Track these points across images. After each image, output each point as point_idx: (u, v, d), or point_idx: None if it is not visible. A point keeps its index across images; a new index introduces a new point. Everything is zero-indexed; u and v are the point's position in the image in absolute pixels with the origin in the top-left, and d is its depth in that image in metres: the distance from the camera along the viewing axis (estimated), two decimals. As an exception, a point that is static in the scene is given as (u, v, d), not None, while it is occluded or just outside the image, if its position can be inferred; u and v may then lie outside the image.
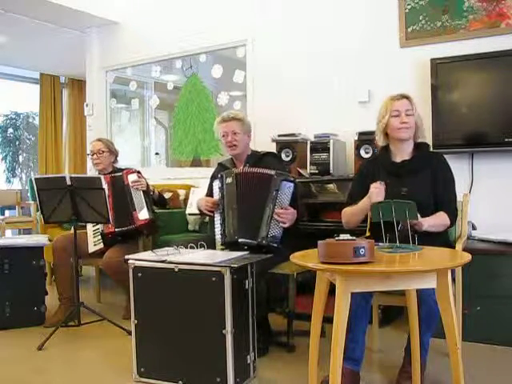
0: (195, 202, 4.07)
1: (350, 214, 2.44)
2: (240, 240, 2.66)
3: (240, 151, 2.93)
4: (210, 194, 2.96)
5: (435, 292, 1.82)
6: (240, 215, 2.69)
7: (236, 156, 2.98)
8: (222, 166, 3.03)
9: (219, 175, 2.84)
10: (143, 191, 3.36)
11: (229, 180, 2.75)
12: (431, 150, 2.56)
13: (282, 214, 2.65)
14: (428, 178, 2.37)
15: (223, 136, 2.94)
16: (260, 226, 2.65)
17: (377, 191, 2.25)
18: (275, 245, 2.63)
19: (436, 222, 2.26)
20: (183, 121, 4.93)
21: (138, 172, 3.45)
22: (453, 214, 2.35)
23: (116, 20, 5.24)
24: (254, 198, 2.70)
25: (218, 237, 2.77)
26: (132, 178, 3.36)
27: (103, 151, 3.58)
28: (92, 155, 3.61)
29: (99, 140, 3.68)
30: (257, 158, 2.94)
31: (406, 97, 2.41)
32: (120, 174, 3.42)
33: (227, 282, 2.13)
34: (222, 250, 2.73)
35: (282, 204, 2.67)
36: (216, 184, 2.84)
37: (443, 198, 2.35)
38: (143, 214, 3.32)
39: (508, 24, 3.27)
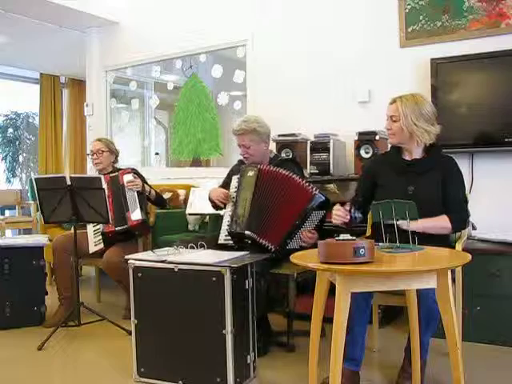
0: (195, 202, 4.10)
1: None
2: (247, 233, 2.61)
3: (256, 160, 2.86)
4: (223, 186, 2.93)
5: (435, 292, 1.82)
6: (253, 209, 2.64)
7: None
8: (241, 163, 2.98)
9: (242, 167, 2.79)
10: (138, 192, 3.35)
11: (250, 173, 2.70)
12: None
13: (309, 237, 2.62)
14: (437, 179, 2.33)
15: (238, 146, 2.90)
16: (282, 234, 2.61)
17: (334, 216, 2.23)
18: (283, 255, 2.60)
19: (431, 224, 2.21)
20: (183, 121, 4.93)
21: (134, 172, 3.44)
22: (459, 219, 2.30)
23: (116, 20, 5.24)
24: (276, 200, 2.65)
25: (225, 227, 2.72)
26: (127, 178, 3.35)
27: (103, 151, 3.58)
28: (92, 155, 3.61)
29: (99, 140, 3.67)
30: (278, 163, 2.87)
31: (395, 100, 2.36)
32: (116, 173, 3.41)
33: (227, 282, 2.13)
34: (226, 240, 2.71)
35: (312, 223, 2.63)
36: (235, 177, 2.79)
37: (451, 202, 2.31)
38: (136, 215, 3.30)
39: (508, 24, 3.27)
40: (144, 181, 3.47)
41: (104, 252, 3.32)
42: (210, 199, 2.91)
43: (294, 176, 2.67)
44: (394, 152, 2.48)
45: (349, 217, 2.17)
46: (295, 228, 2.62)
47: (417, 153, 2.41)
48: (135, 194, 3.34)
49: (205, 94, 4.82)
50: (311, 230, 2.64)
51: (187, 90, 4.91)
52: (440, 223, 2.26)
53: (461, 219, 2.32)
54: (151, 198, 3.52)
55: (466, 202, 2.37)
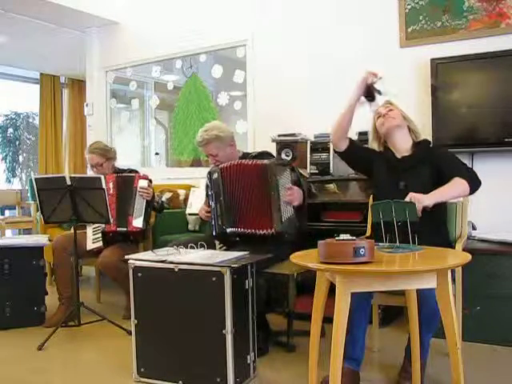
0: (195, 202, 4.10)
1: (337, 118, 2.52)
2: (228, 230, 2.67)
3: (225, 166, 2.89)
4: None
5: (435, 292, 1.82)
6: (229, 207, 2.69)
7: None
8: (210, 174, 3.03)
9: (207, 174, 2.84)
10: (146, 200, 3.35)
11: (215, 175, 2.75)
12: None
13: (289, 195, 2.63)
14: (427, 172, 2.36)
15: (206, 156, 2.98)
16: (271, 214, 2.60)
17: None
18: (291, 231, 2.60)
19: (449, 190, 2.20)
20: (183, 121, 4.93)
21: (150, 181, 3.43)
22: (471, 178, 2.27)
23: (116, 20, 5.24)
24: (244, 189, 2.67)
25: (213, 233, 2.77)
26: (142, 183, 3.33)
27: (102, 163, 3.50)
28: (92, 168, 3.57)
29: (92, 152, 3.49)
30: (250, 158, 2.89)
31: (390, 102, 2.50)
32: (132, 175, 3.40)
33: (227, 282, 2.13)
34: (220, 248, 2.74)
35: (284, 186, 2.64)
36: (206, 184, 2.86)
37: (452, 169, 2.30)
38: (137, 222, 3.31)
39: (508, 24, 3.27)
40: (153, 193, 3.45)
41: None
42: (201, 219, 2.96)
43: (245, 161, 2.70)
44: (387, 151, 2.53)
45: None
46: (277, 200, 2.61)
47: (406, 149, 2.47)
48: (144, 201, 3.33)
49: (205, 94, 4.82)
50: (287, 187, 2.65)
51: (187, 90, 4.91)
52: (457, 187, 2.23)
53: (474, 176, 2.32)
54: (156, 208, 3.52)
55: (466, 165, 2.40)
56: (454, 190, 2.23)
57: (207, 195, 2.93)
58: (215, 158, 2.89)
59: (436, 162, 2.38)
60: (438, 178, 2.33)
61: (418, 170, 2.38)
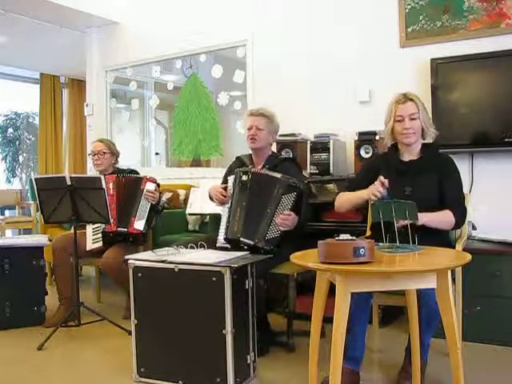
0: (195, 202, 4.10)
1: (345, 198, 2.46)
2: (241, 239, 2.65)
3: (259, 146, 2.91)
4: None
5: (435, 292, 1.82)
6: (247, 214, 2.68)
7: (255, 152, 2.96)
8: (239, 160, 3.04)
9: (236, 170, 2.82)
10: (151, 204, 3.35)
11: (244, 178, 2.74)
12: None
13: (283, 219, 2.63)
14: (434, 179, 2.35)
15: (248, 129, 2.93)
16: (259, 227, 2.64)
17: (376, 187, 2.19)
18: (270, 248, 2.61)
19: (438, 217, 2.24)
20: (183, 121, 4.92)
21: (158, 185, 3.43)
22: (460, 214, 2.32)
23: (116, 20, 5.24)
24: (261, 199, 2.69)
25: (222, 231, 2.74)
26: (149, 187, 3.34)
27: (104, 152, 3.57)
28: (93, 156, 3.60)
29: (101, 141, 3.66)
30: (277, 161, 2.92)
31: (411, 99, 2.35)
32: (141, 176, 3.41)
33: (227, 282, 2.13)
34: (223, 244, 2.71)
35: (283, 208, 2.64)
36: (231, 178, 2.82)
37: (450, 198, 2.32)
38: (139, 225, 3.31)
39: (508, 24, 3.27)
40: (159, 198, 3.45)
41: (104, 251, 3.32)
42: (210, 196, 2.95)
43: (272, 173, 2.71)
44: (392, 152, 2.49)
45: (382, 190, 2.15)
46: (269, 217, 2.63)
47: (415, 153, 2.43)
48: (149, 205, 3.34)
49: (205, 94, 4.82)
50: (285, 212, 2.64)
51: (187, 90, 4.90)
52: (445, 217, 2.27)
53: (462, 214, 2.34)
54: (159, 210, 3.52)
55: (463, 198, 2.39)
56: (442, 222, 2.27)
57: (226, 181, 2.91)
58: (258, 132, 2.88)
59: (442, 175, 2.35)
60: (441, 187, 2.34)
61: (425, 176, 2.36)
